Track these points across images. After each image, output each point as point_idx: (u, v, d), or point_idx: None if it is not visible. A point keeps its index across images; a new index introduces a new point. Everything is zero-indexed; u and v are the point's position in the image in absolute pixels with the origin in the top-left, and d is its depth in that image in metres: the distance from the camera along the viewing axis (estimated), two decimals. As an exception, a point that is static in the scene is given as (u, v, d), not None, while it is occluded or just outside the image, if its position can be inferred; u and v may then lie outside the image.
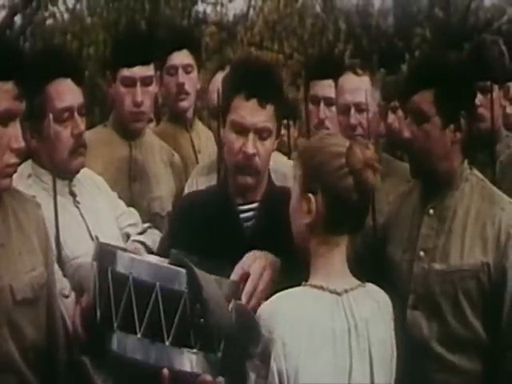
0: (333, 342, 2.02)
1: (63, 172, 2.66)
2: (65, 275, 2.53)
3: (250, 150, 2.40)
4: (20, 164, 2.26)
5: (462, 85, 2.54)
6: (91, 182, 2.84)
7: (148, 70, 3.25)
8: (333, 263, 2.09)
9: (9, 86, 2.08)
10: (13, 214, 2.25)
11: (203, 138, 3.73)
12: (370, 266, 2.46)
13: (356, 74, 3.20)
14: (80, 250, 2.60)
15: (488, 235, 2.47)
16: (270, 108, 2.42)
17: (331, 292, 2.05)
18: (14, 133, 2.11)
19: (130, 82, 3.21)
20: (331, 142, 2.11)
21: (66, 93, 2.61)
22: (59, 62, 2.64)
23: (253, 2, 10.72)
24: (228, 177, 2.53)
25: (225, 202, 2.50)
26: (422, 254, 2.53)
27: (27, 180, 2.65)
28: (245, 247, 2.37)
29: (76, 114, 2.63)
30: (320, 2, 10.88)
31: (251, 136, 2.40)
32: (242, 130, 2.41)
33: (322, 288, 2.05)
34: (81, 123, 2.64)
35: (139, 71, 3.22)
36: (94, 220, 2.72)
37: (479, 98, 3.34)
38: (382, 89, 3.26)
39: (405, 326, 2.47)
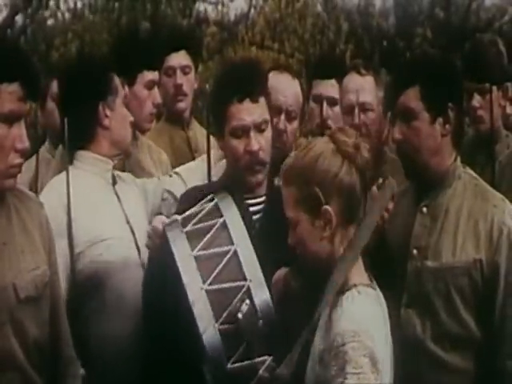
0: (386, 335, 2.06)
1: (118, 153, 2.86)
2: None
3: (255, 146, 2.48)
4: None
5: (447, 76, 2.55)
6: (130, 178, 2.95)
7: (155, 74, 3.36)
8: (359, 261, 2.10)
9: (14, 87, 2.10)
10: (16, 212, 2.26)
11: (200, 137, 3.74)
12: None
13: (360, 73, 3.21)
14: (113, 233, 2.70)
15: (480, 232, 2.48)
16: (262, 100, 2.52)
17: (373, 288, 2.08)
18: (19, 133, 2.13)
19: (153, 85, 3.30)
20: (316, 149, 2.06)
21: None
22: None
23: (254, 2, 10.73)
24: (232, 177, 2.58)
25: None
26: (414, 252, 2.53)
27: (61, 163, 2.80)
28: (255, 241, 2.39)
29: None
30: (321, 2, 10.88)
31: (252, 134, 2.49)
32: (242, 131, 2.50)
33: (370, 286, 2.07)
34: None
35: (156, 74, 3.33)
36: (131, 206, 2.82)
37: (478, 100, 3.35)
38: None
39: (398, 324, 2.46)
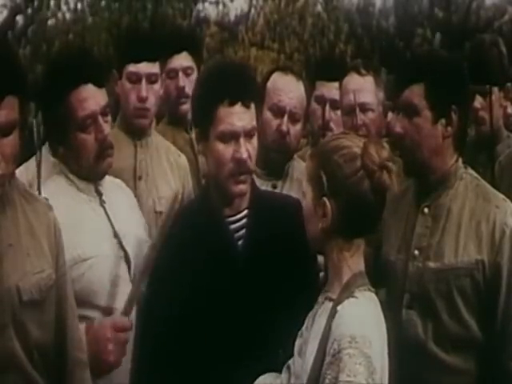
0: (383, 338, 2.06)
1: (91, 175, 2.69)
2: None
3: (244, 154, 2.35)
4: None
5: (453, 79, 2.53)
6: (112, 183, 2.86)
7: (153, 68, 3.28)
8: (358, 266, 2.11)
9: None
10: (23, 214, 2.25)
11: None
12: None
13: (360, 74, 3.21)
14: (97, 251, 2.61)
15: (482, 233, 2.48)
16: (252, 106, 2.38)
17: (370, 290, 2.09)
18: None
19: (136, 78, 3.24)
20: (346, 143, 2.08)
21: (88, 100, 2.60)
22: (78, 69, 2.63)
23: (254, 2, 10.73)
24: (213, 189, 2.46)
25: (211, 218, 2.44)
26: (416, 252, 2.53)
27: (53, 172, 2.69)
28: (240, 258, 2.39)
29: (99, 117, 2.62)
30: (321, 2, 10.88)
31: (242, 141, 2.35)
32: (231, 137, 2.35)
33: (368, 289, 2.08)
34: (104, 127, 2.64)
35: (145, 68, 3.24)
36: (121, 218, 2.72)
37: (479, 101, 3.36)
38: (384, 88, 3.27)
39: (400, 325, 2.48)
